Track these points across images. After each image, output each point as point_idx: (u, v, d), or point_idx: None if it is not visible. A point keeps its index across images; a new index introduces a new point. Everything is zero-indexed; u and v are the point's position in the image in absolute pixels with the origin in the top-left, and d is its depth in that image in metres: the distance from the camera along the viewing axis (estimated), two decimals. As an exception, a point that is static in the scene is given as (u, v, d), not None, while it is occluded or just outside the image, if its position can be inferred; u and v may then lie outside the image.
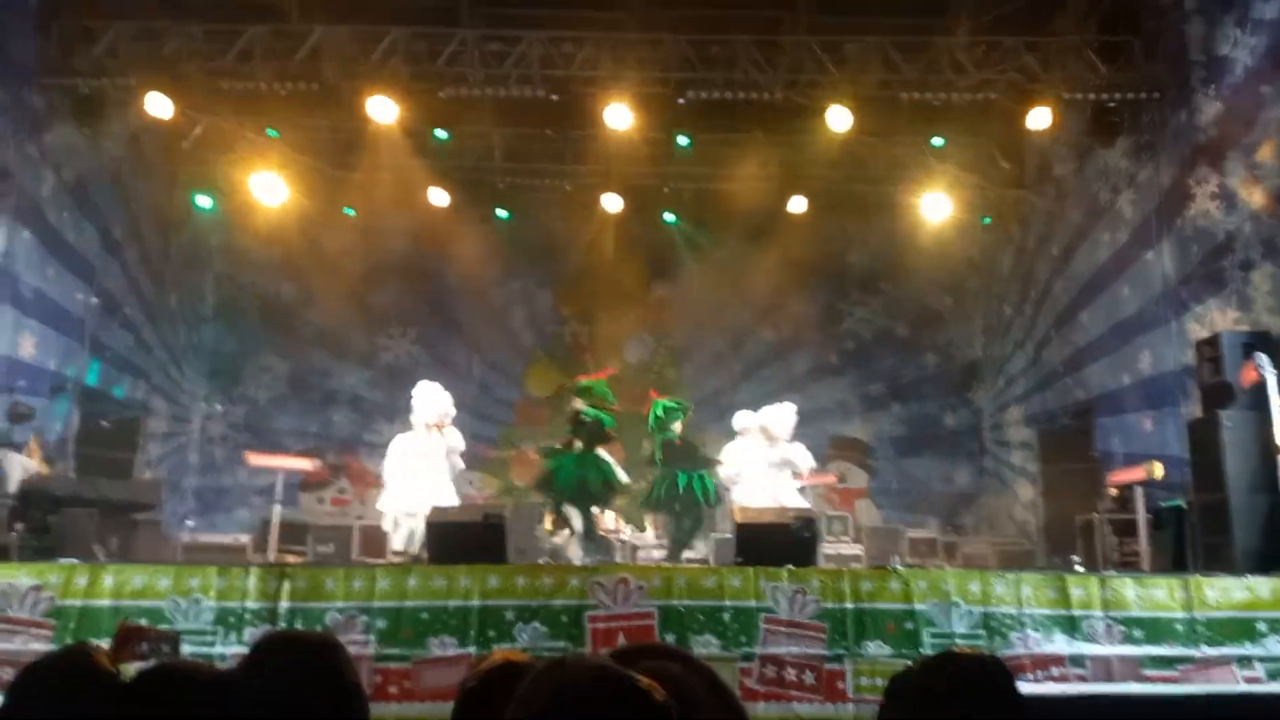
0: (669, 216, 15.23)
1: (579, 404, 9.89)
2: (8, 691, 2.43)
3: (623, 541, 11.40)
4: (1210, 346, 8.89)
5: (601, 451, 9.79)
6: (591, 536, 9.62)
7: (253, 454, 12.42)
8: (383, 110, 11.27)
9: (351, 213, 14.73)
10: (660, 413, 10.31)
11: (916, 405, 15.91)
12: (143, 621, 5.71)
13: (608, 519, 11.41)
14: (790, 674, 6.09)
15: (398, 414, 10.98)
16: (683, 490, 9.83)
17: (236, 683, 2.18)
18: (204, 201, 14.09)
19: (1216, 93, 9.84)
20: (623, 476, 9.86)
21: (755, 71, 11.42)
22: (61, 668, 2.48)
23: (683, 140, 12.43)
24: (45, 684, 2.43)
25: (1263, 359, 7.79)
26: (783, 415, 10.43)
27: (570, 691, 1.49)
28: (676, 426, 10.23)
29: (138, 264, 13.55)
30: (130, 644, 3.25)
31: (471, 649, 5.94)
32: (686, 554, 10.06)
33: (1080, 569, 8.37)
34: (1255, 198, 9.19)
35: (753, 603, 6.30)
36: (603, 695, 1.47)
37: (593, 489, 9.62)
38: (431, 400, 9.71)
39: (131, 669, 3.06)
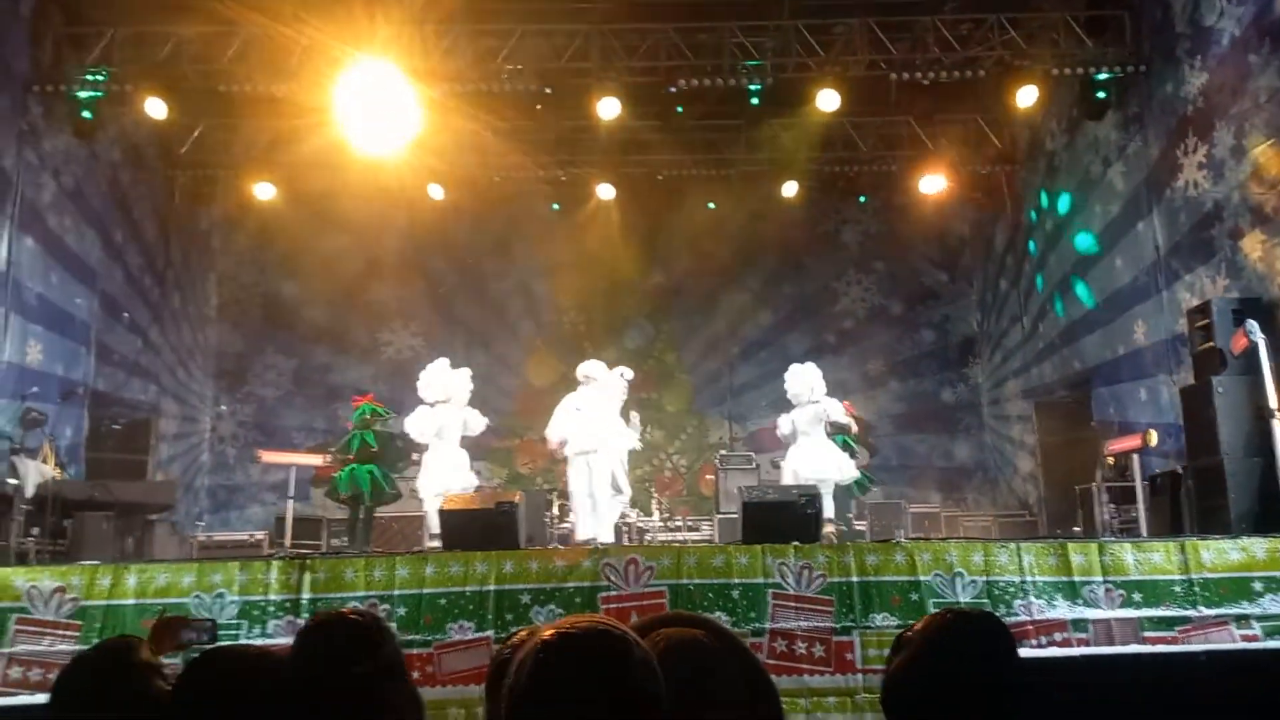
0: (665, 203, 15.32)
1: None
2: (53, 688, 2.51)
3: (629, 524, 11.56)
4: (1201, 314, 9.04)
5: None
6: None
7: (264, 451, 12.56)
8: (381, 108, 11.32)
9: (350, 209, 14.80)
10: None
11: (914, 382, 16.06)
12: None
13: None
14: (800, 647, 6.23)
15: (403, 406, 11.09)
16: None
17: (284, 663, 2.27)
18: (204, 201, 14.17)
19: (1203, 63, 9.93)
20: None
21: (743, 57, 11.53)
22: (104, 662, 2.55)
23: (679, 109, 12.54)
24: (90, 679, 2.50)
25: (1253, 325, 7.93)
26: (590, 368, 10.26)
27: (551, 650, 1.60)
28: None
29: (140, 268, 13.66)
30: (168, 635, 3.30)
31: (490, 632, 6.09)
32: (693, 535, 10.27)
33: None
34: (1242, 167, 9.30)
35: (761, 580, 6.42)
36: (578, 647, 1.59)
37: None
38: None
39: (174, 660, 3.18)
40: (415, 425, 9.55)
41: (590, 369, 9.97)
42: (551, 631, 1.62)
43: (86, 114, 11.35)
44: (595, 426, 9.62)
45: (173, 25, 11.26)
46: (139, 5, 11.32)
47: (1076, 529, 10.81)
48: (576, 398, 9.89)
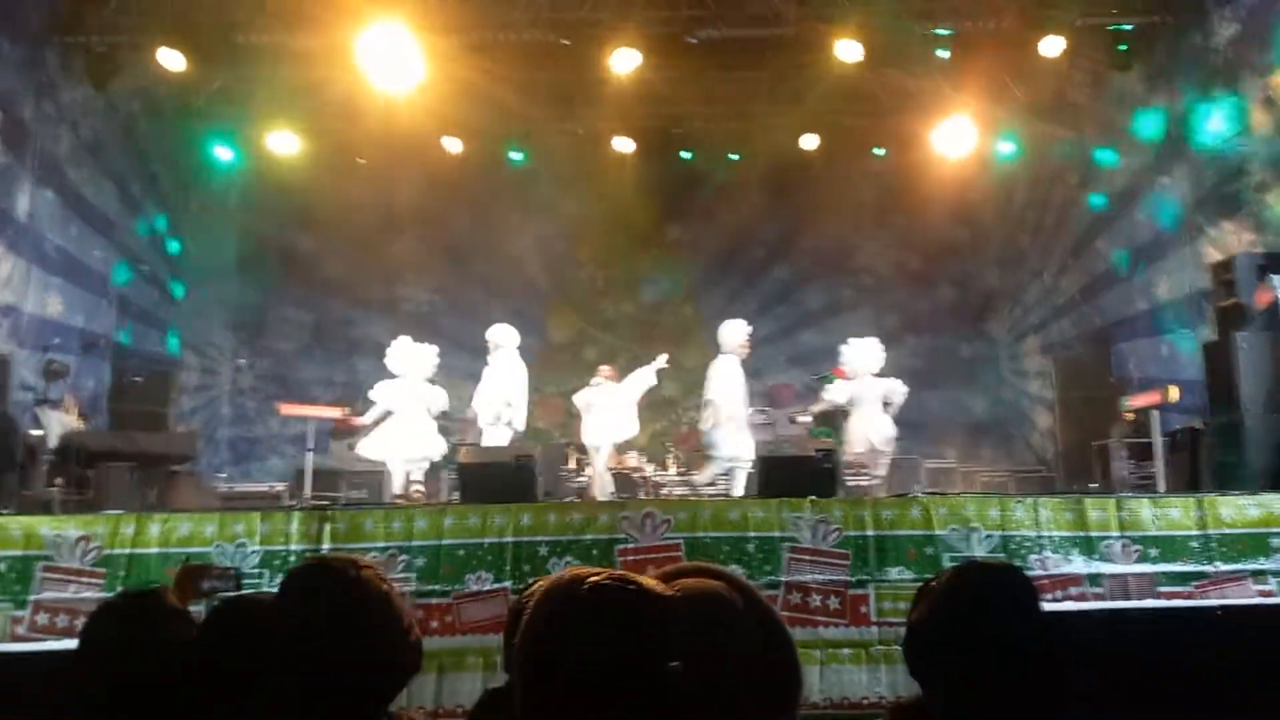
0: (683, 155, 15.18)
1: None
2: (81, 634, 2.54)
3: (645, 479, 11.66)
4: (1225, 269, 8.91)
5: None
6: None
7: (284, 404, 12.66)
8: (396, 58, 11.22)
9: (364, 162, 14.75)
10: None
11: (932, 337, 15.97)
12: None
13: (631, 458, 11.71)
14: (815, 600, 6.28)
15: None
16: None
17: (275, 607, 2.26)
18: (222, 155, 14.15)
19: (1233, 14, 9.75)
20: None
21: (764, 6, 11.35)
22: (130, 608, 2.58)
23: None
24: (116, 625, 2.53)
25: (1277, 280, 7.85)
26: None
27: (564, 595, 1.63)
28: None
29: (159, 219, 13.71)
30: (192, 582, 3.33)
31: (508, 583, 6.16)
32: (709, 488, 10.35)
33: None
34: (1270, 120, 9.15)
35: (776, 533, 6.46)
36: (597, 596, 1.62)
37: None
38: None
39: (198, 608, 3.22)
40: (378, 395, 9.92)
41: (495, 334, 10.05)
42: (600, 576, 1.65)
43: (104, 66, 11.32)
44: (492, 397, 9.67)
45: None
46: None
47: (1094, 485, 10.80)
48: (489, 367, 10.00)
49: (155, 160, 13.51)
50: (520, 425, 9.85)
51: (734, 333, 10.15)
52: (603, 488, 10.26)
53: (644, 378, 10.68)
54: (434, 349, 10.01)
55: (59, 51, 11.16)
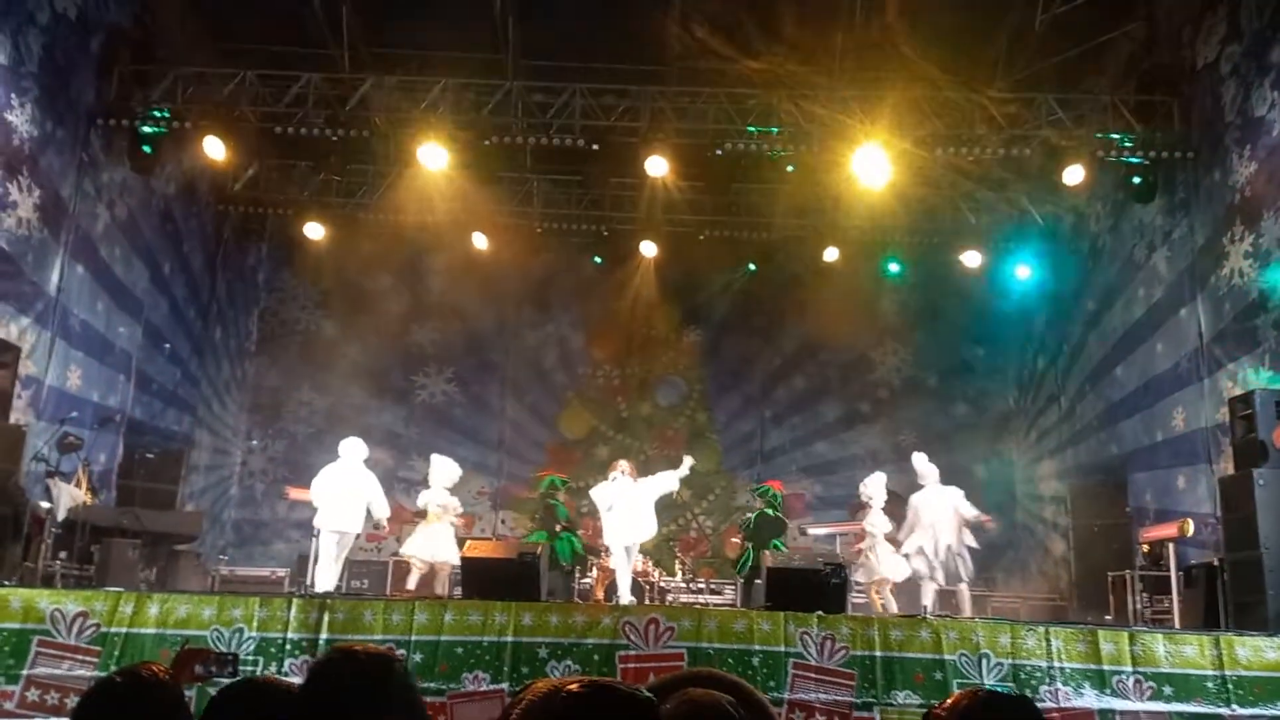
0: (705, 261, 15.36)
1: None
2: (73, 713, 2.48)
3: (651, 584, 11.50)
4: (1243, 404, 8.88)
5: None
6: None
7: (292, 488, 12.62)
8: (431, 157, 11.54)
9: (394, 252, 15.00)
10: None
11: (947, 456, 15.78)
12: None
13: (638, 562, 11.54)
14: (819, 721, 6.13)
15: (435, 450, 11.32)
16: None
17: (298, 697, 2.25)
18: (253, 239, 14.46)
19: (1252, 153, 9.90)
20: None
21: (791, 125, 11.62)
22: (126, 689, 2.51)
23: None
24: (111, 706, 2.47)
25: (1296, 418, 7.80)
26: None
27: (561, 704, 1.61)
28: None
29: (185, 300, 13.88)
30: (190, 665, 3.31)
31: (505, 685, 6.04)
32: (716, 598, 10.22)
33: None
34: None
35: (782, 648, 6.35)
36: (590, 703, 1.58)
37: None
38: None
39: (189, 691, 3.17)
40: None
41: (345, 445, 10.42)
42: (576, 685, 1.62)
43: (147, 148, 11.62)
44: (344, 504, 9.84)
45: (234, 67, 11.59)
46: (203, 47, 11.65)
47: (1108, 616, 10.59)
48: (335, 467, 10.27)
49: (187, 241, 13.75)
50: (334, 525, 9.83)
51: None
52: (624, 591, 9.86)
53: (667, 481, 10.28)
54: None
55: (102, 132, 11.48)
